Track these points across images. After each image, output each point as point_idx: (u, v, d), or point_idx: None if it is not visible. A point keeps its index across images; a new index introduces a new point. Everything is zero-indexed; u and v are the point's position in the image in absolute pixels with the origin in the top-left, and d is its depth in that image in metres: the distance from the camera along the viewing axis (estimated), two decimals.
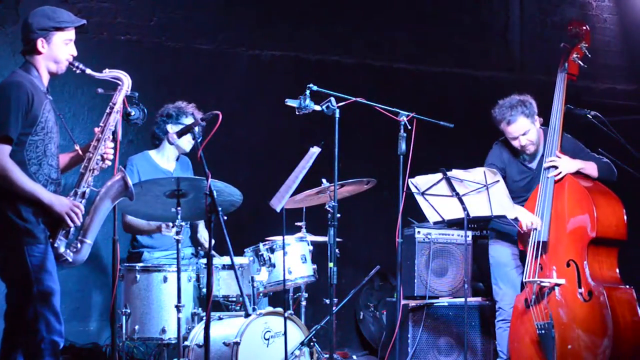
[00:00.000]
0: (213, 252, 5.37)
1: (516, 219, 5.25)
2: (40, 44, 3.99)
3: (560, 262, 5.11)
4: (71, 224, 3.92)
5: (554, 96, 5.42)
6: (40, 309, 3.85)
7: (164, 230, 5.27)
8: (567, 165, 5.27)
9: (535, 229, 5.17)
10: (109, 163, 4.14)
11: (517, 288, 5.40)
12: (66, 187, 4.24)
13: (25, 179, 3.84)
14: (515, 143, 5.43)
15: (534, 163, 5.49)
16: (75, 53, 4.10)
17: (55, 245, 3.90)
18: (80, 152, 4.16)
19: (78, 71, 4.09)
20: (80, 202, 3.99)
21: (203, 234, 5.74)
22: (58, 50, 4.03)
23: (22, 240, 3.84)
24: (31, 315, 3.84)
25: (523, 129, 5.35)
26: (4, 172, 3.80)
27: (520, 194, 5.45)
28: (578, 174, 5.28)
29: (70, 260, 3.96)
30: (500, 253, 5.53)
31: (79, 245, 3.98)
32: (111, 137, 4.13)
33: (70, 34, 4.07)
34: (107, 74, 4.16)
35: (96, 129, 4.13)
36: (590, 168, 5.33)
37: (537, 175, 5.41)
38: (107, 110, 4.15)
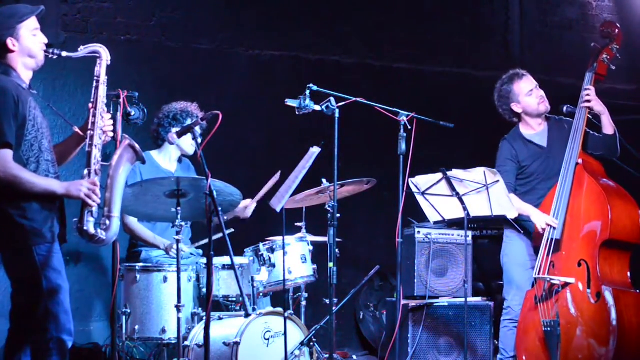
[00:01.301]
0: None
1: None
2: (10, 43, 3.99)
3: (572, 261, 5.10)
4: (92, 203, 3.93)
5: (580, 95, 5.40)
6: (51, 307, 3.86)
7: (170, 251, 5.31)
8: (598, 102, 5.34)
9: (552, 227, 5.17)
10: (111, 135, 4.15)
11: (529, 288, 5.39)
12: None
13: (35, 177, 3.87)
14: (532, 100, 5.47)
15: (542, 141, 5.50)
16: (46, 41, 4.10)
17: (85, 227, 3.90)
18: (80, 133, 4.16)
19: (55, 57, 4.10)
20: (96, 179, 4.00)
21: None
22: (29, 43, 4.03)
23: (30, 240, 3.85)
24: (41, 314, 3.85)
25: (534, 82, 5.49)
26: (14, 178, 3.81)
27: (538, 175, 5.44)
28: (593, 167, 5.29)
29: (104, 237, 3.95)
30: (514, 253, 5.48)
31: (107, 222, 3.97)
32: (105, 109, 4.14)
33: (34, 22, 4.07)
34: (84, 50, 4.19)
35: (89, 105, 4.14)
36: (611, 122, 5.36)
37: (551, 157, 5.42)
38: (94, 84, 4.15)
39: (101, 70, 4.17)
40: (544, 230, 5.19)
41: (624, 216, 5.11)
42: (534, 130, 5.54)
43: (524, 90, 5.49)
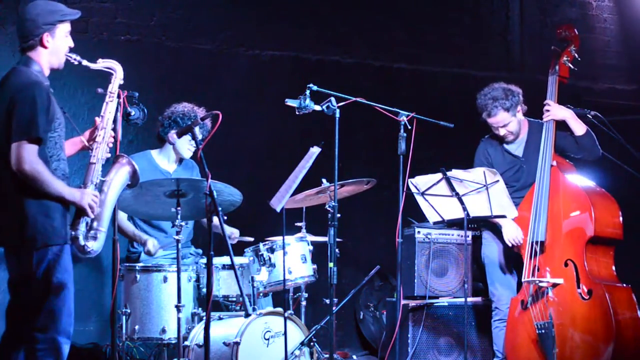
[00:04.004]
0: (240, 237, 5.37)
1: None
2: (46, 38, 4.01)
3: (557, 262, 5.13)
4: (92, 215, 3.97)
5: (546, 98, 5.46)
6: (55, 307, 3.88)
7: (147, 248, 5.31)
8: (557, 111, 5.40)
9: (534, 230, 5.19)
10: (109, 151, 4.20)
11: (512, 287, 5.42)
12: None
13: (53, 179, 3.88)
14: (495, 131, 5.54)
15: (518, 150, 5.54)
16: (72, 45, 4.14)
17: (78, 237, 3.94)
18: (86, 144, 4.20)
19: (75, 62, 4.12)
20: (96, 192, 4.04)
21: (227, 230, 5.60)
22: (60, 44, 4.06)
23: (48, 240, 3.86)
24: (45, 312, 3.87)
25: (502, 122, 5.47)
26: (36, 174, 3.82)
27: (511, 184, 5.47)
28: (567, 168, 5.30)
29: (92, 250, 4.00)
30: (493, 254, 5.55)
31: (97, 235, 4.01)
32: (113, 125, 4.18)
33: (69, 25, 4.11)
34: (101, 64, 4.21)
35: (97, 119, 4.18)
36: (578, 124, 5.38)
37: (525, 165, 5.46)
38: (106, 100, 4.19)
39: (114, 86, 4.20)
40: (511, 244, 5.27)
41: (607, 213, 5.15)
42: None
43: (489, 124, 5.52)
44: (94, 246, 4.01)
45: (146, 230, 5.57)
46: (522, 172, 5.47)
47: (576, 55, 5.55)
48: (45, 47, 4.01)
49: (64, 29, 4.07)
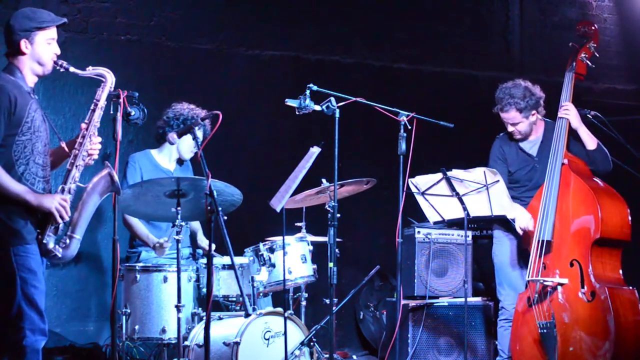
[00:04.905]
0: (214, 253, 5.39)
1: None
2: (24, 44, 4.02)
3: (564, 262, 5.11)
4: (60, 220, 3.96)
5: (561, 95, 5.43)
6: (25, 307, 3.89)
7: (158, 251, 5.30)
8: (574, 117, 5.33)
9: (541, 229, 5.18)
10: (96, 157, 4.19)
11: (520, 289, 5.40)
12: (55, 187, 4.25)
13: (11, 181, 3.88)
14: (506, 126, 5.51)
15: (533, 150, 5.51)
16: (58, 52, 4.13)
17: (45, 241, 3.94)
18: (66, 149, 4.20)
19: (62, 69, 4.12)
20: (68, 197, 4.03)
21: (203, 242, 5.74)
22: (41, 50, 4.06)
23: (9, 241, 3.88)
24: (15, 314, 3.88)
25: (512, 120, 5.43)
26: None
27: (524, 182, 5.48)
28: (579, 167, 5.29)
29: (60, 255, 3.99)
30: (503, 253, 5.52)
31: (67, 240, 4.01)
32: (96, 133, 4.17)
33: (52, 32, 4.10)
34: (91, 71, 4.20)
35: (82, 125, 4.17)
36: (590, 139, 5.35)
37: (539, 165, 5.43)
38: (92, 107, 4.18)
39: (102, 94, 4.18)
40: (523, 231, 5.23)
41: (614, 214, 5.11)
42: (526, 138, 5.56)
43: (502, 118, 5.50)
44: (65, 252, 4.00)
45: None
46: (535, 172, 5.45)
47: (595, 52, 5.50)
48: (23, 53, 4.03)
49: (45, 35, 4.06)
